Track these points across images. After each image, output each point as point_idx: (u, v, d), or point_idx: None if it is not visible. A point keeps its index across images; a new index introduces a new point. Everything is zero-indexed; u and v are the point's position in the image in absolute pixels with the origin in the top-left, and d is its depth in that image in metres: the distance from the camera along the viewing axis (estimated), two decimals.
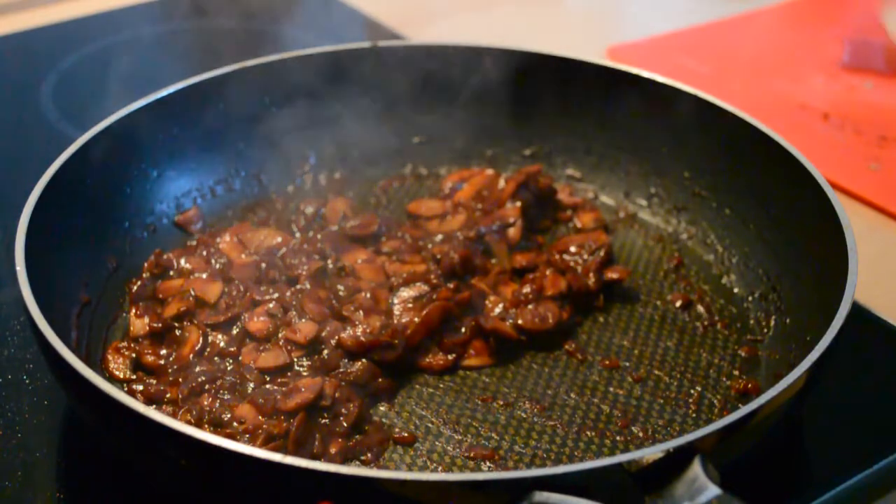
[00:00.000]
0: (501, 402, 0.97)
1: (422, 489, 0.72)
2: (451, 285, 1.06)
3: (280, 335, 0.99)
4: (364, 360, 0.97)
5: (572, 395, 0.98)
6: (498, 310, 1.05)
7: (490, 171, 1.25)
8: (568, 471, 0.71)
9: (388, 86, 1.28)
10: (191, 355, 0.97)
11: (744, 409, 0.76)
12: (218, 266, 1.08)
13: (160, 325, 1.00)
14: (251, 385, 0.94)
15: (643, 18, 1.78)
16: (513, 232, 1.15)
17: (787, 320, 1.03)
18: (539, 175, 1.21)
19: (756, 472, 0.88)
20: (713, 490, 0.70)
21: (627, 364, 1.02)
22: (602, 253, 1.11)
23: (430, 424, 0.95)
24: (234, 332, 1.00)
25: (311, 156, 1.29)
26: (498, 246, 1.13)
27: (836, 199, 0.99)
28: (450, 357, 1.01)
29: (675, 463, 0.72)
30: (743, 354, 1.03)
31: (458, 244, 1.11)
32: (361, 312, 1.01)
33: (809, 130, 1.44)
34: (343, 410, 0.92)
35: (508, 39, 1.30)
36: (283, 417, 0.90)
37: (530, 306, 1.04)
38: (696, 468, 0.72)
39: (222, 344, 0.99)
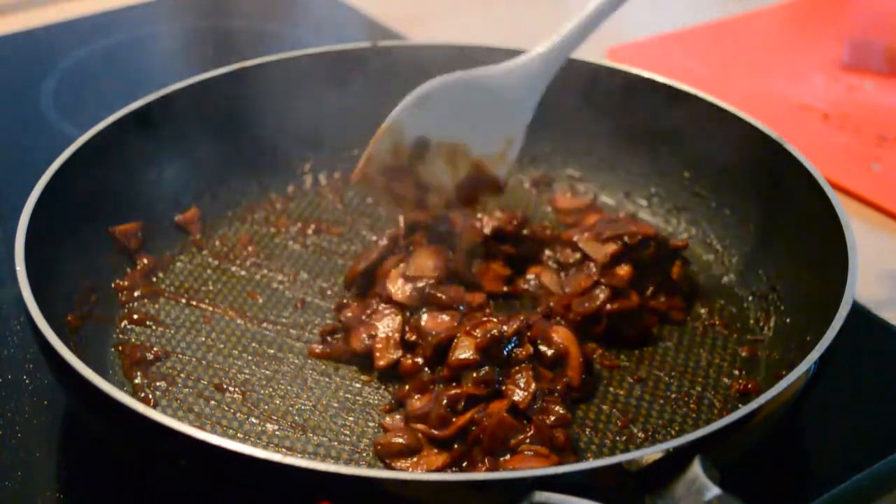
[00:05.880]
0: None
1: (422, 489, 0.72)
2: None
3: None
4: None
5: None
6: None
7: None
8: (568, 471, 0.71)
9: (389, 86, 1.27)
10: None
11: (744, 409, 0.76)
12: None
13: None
14: None
15: (643, 18, 1.78)
16: None
17: (787, 320, 1.03)
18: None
19: (756, 472, 0.88)
20: (713, 490, 0.70)
21: (627, 364, 1.02)
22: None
23: None
24: None
25: (311, 156, 1.29)
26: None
27: (836, 199, 0.99)
28: None
29: (675, 463, 0.72)
30: (743, 354, 1.03)
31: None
32: None
33: (809, 130, 1.44)
34: None
35: (508, 39, 1.30)
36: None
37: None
38: (696, 468, 0.72)
39: None
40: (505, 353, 0.94)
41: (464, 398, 0.91)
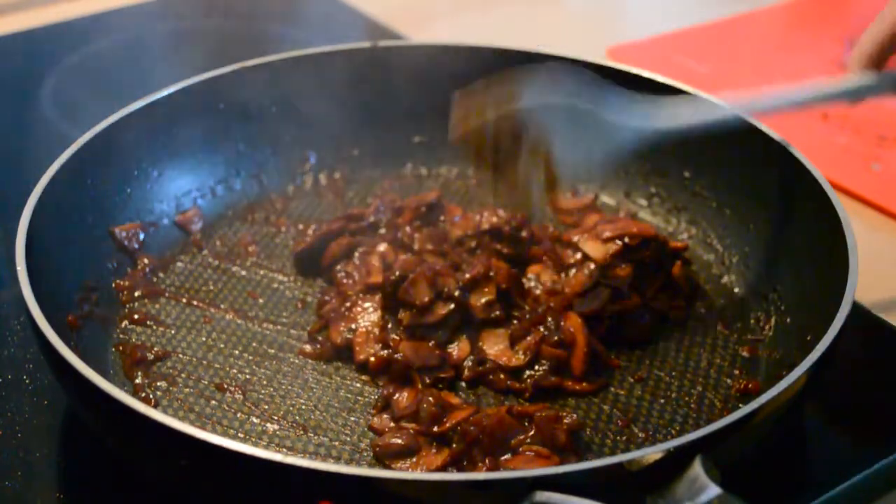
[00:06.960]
0: (502, 401, 0.98)
1: (422, 489, 0.72)
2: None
3: None
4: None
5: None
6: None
7: None
8: (568, 471, 0.71)
9: (389, 85, 1.28)
10: None
11: (744, 409, 0.76)
12: None
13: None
14: None
15: (643, 18, 1.78)
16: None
17: (787, 320, 1.03)
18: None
19: (756, 472, 0.88)
20: (714, 490, 0.70)
21: (627, 364, 1.02)
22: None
23: None
24: None
25: (311, 156, 1.29)
26: None
27: (836, 199, 0.99)
28: None
29: (676, 463, 0.72)
30: (743, 354, 1.03)
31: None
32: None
33: (809, 130, 1.44)
34: None
35: (508, 39, 1.30)
36: None
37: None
38: (697, 468, 0.72)
39: None
40: None
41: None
